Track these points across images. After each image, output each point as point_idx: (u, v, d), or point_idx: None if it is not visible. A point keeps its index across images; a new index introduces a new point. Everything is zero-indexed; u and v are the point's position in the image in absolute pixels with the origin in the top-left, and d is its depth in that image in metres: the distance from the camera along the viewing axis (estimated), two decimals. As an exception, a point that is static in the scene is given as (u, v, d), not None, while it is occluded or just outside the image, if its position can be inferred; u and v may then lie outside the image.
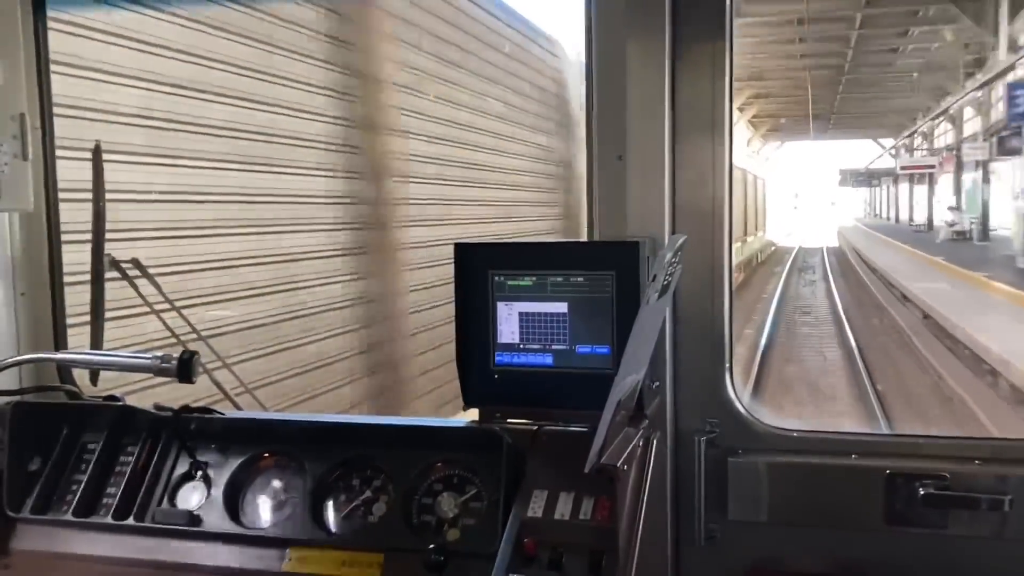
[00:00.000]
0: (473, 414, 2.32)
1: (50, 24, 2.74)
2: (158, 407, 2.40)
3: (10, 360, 2.40)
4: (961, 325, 16.20)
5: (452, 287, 2.29)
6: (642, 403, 2.13)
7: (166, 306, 2.93)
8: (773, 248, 46.96)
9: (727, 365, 2.49)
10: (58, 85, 2.77)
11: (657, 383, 2.34)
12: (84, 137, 4.37)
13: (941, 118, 39.53)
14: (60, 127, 2.76)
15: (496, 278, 2.27)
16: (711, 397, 2.46)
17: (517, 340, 2.26)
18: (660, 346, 2.34)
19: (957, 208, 35.95)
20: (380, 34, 8.68)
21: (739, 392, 2.49)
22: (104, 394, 2.58)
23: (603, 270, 2.19)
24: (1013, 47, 24.29)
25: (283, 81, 7.11)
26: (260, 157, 6.92)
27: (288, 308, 7.22)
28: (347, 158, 8.10)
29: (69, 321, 2.81)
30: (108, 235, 2.73)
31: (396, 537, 2.09)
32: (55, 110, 2.76)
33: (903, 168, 44.60)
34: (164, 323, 2.87)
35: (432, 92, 9.51)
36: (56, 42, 2.76)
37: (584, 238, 2.57)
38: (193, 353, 2.24)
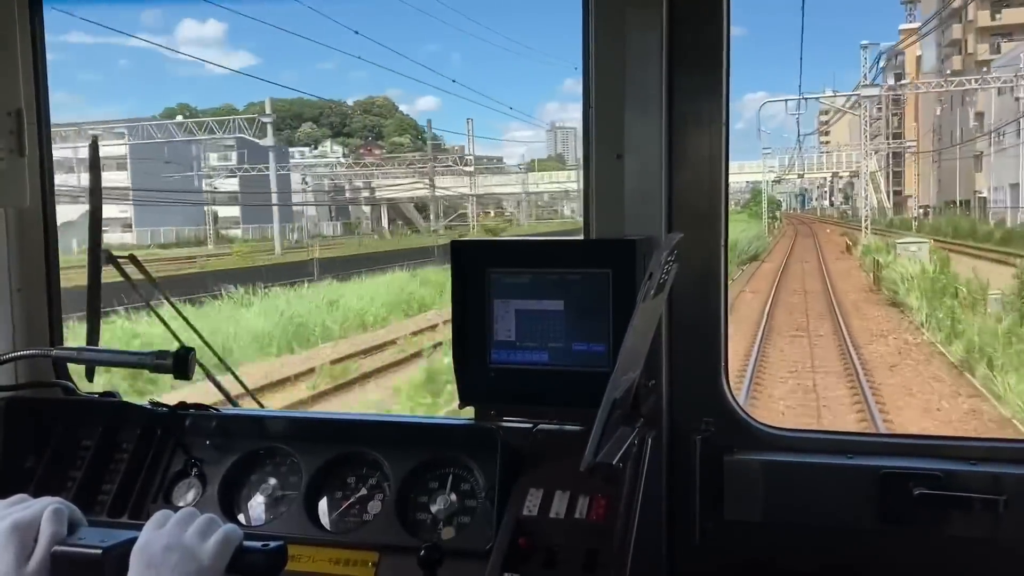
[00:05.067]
0: (469, 412, 2.33)
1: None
2: (154, 403, 2.40)
3: (5, 356, 2.40)
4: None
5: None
6: (638, 402, 2.13)
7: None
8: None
9: (723, 364, 2.49)
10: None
11: (653, 382, 2.34)
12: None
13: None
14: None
15: (493, 276, 2.26)
16: (707, 396, 2.46)
17: (513, 338, 2.26)
18: (656, 344, 2.34)
19: None
20: None
21: (735, 391, 2.49)
22: (101, 390, 2.58)
23: (600, 268, 2.19)
24: None
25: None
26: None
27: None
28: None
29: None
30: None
31: (391, 535, 2.09)
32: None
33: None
34: (161, 319, 2.86)
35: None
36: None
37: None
38: (190, 349, 2.24)
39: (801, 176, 61.48)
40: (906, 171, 57.19)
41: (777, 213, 63.35)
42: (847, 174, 58.00)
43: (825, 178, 68.13)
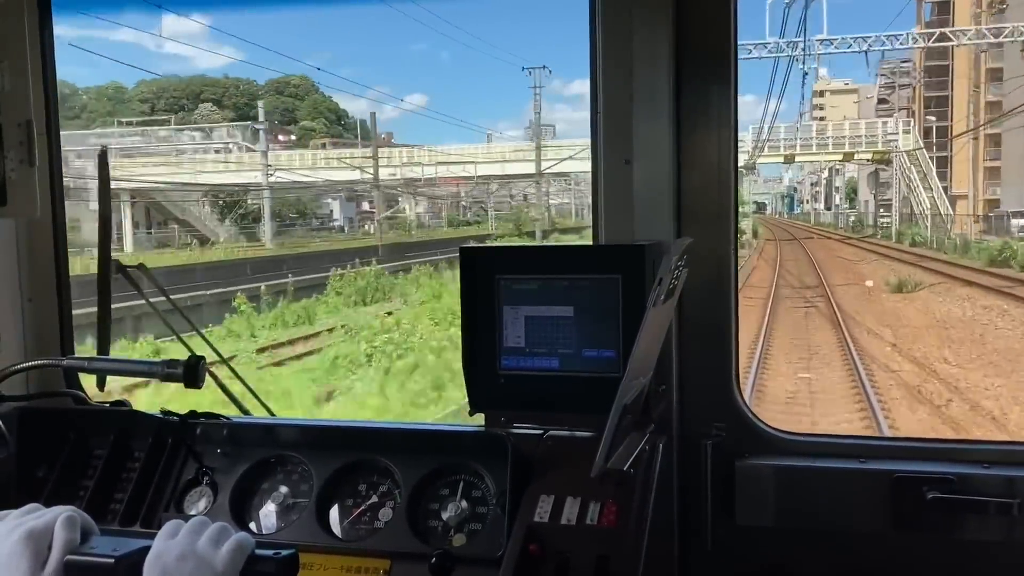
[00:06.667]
0: (480, 418, 2.32)
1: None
2: (165, 412, 2.40)
3: (16, 366, 2.41)
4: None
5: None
6: (648, 407, 2.13)
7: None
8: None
9: (733, 369, 2.48)
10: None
11: (664, 387, 2.34)
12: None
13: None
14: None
15: (502, 282, 2.26)
16: (717, 401, 2.45)
17: (523, 344, 2.26)
18: (666, 350, 2.33)
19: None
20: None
21: (745, 396, 2.48)
22: (111, 399, 2.58)
23: (609, 274, 2.19)
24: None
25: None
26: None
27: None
28: None
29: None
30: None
31: (402, 542, 2.09)
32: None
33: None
34: (171, 328, 2.87)
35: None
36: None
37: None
38: (200, 358, 2.24)
39: (790, 160, 35.46)
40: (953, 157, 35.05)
41: (744, 224, 33.33)
42: (867, 157, 35.14)
43: (820, 171, 45.74)
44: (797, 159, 37.39)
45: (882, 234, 38.33)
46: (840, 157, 37.18)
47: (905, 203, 35.17)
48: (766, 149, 34.13)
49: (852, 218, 47.50)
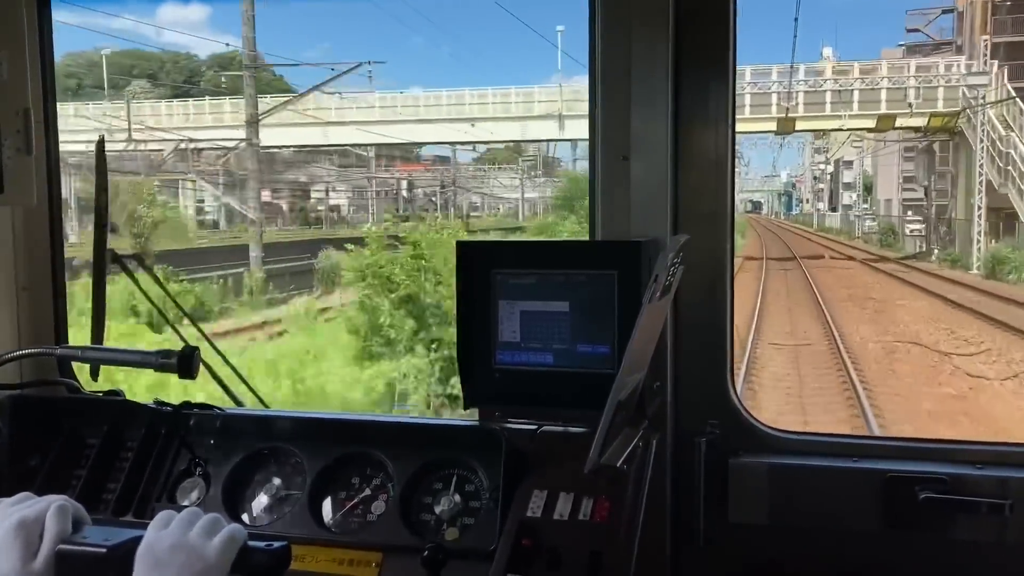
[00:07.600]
0: (474, 413, 2.32)
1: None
2: (158, 402, 2.40)
3: (10, 354, 2.40)
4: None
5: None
6: (643, 404, 2.13)
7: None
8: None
9: (728, 366, 2.49)
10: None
11: (658, 384, 2.34)
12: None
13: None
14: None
15: (498, 276, 2.26)
16: (712, 398, 2.46)
17: (518, 339, 2.26)
18: (661, 347, 2.33)
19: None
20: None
21: (740, 394, 2.49)
22: (104, 389, 2.58)
23: (605, 270, 2.19)
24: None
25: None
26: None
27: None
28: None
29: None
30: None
31: (395, 535, 2.09)
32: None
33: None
34: (165, 318, 2.87)
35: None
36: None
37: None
38: (194, 349, 2.24)
39: (787, 129, 23.42)
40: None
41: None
42: (919, 124, 22.08)
43: (827, 159, 34.47)
44: (799, 126, 23.71)
45: (940, 256, 24.79)
46: (873, 123, 23.17)
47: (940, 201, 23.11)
48: (747, 109, 21.10)
49: (868, 222, 36.69)
